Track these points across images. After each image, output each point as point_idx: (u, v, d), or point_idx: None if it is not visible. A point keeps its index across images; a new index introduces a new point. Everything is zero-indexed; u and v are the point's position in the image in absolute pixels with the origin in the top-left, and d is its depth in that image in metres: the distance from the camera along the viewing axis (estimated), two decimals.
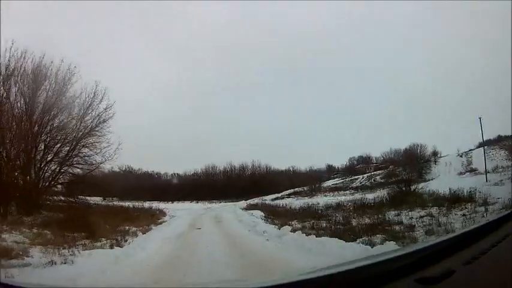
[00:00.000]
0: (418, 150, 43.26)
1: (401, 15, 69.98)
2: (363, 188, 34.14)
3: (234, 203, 33.54)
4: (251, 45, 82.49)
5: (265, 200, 30.37)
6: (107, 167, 18.57)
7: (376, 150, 57.71)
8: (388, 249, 5.21)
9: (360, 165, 50.96)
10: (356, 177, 44.21)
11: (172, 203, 43.26)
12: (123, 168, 59.46)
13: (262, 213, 17.98)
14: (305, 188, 37.64)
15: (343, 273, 1.43)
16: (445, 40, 66.89)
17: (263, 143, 69.79)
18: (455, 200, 12.78)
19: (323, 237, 8.57)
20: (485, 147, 45.07)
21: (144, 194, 44.31)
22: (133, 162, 56.86)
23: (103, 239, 9.44)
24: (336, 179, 47.06)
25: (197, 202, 45.05)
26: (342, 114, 74.09)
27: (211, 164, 51.88)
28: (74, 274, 5.66)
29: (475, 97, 58.28)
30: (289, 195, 35.06)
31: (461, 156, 42.88)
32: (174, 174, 55.96)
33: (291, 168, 55.23)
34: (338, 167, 59.05)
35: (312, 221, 11.97)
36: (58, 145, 15.98)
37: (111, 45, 77.76)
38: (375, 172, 43.77)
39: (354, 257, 4.12)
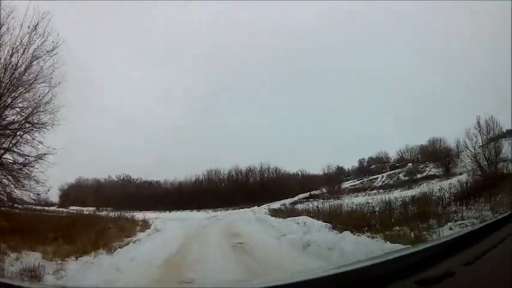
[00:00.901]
0: (439, 145, 40.40)
1: (401, 15, 68.18)
2: (391, 186, 30.75)
3: (249, 209, 29.36)
4: (251, 45, 79.60)
5: (285, 204, 26.41)
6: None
7: (379, 152, 54.72)
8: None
9: (374, 165, 47.79)
10: (374, 177, 41.06)
11: (170, 212, 39.10)
12: (121, 177, 55.83)
13: (323, 222, 10.33)
14: (324, 190, 33.95)
15: (342, 274, 1.44)
16: (445, 40, 65.22)
17: (265, 147, 66.05)
18: None
19: None
20: None
21: (141, 203, 40.23)
22: (132, 171, 53.21)
23: None
24: (350, 181, 43.65)
25: (199, 210, 40.74)
26: (342, 117, 71.11)
27: (214, 168, 47.52)
28: None
29: (475, 97, 56.19)
30: (307, 199, 31.18)
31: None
32: (175, 182, 51.27)
33: (299, 172, 51.68)
34: (348, 169, 55.94)
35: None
36: None
37: (107, 50, 74.13)
38: (397, 170, 40.62)
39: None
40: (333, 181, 36.07)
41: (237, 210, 30.64)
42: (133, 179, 52.88)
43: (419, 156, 42.88)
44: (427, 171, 35.08)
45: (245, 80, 77.43)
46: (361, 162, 56.13)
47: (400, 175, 37.23)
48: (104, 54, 75.02)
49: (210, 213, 35.16)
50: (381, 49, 70.65)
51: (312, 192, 35.62)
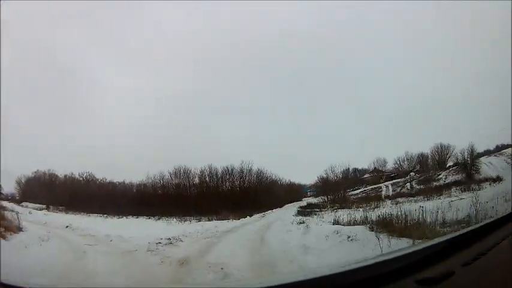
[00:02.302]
0: (446, 152, 36.66)
1: (401, 15, 65.74)
2: (409, 195, 25.98)
3: (238, 220, 21.62)
4: (239, 44, 72.53)
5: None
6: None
7: (377, 159, 50.42)
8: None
9: (368, 174, 42.86)
10: (375, 186, 36.69)
11: (120, 218, 29.74)
12: (84, 175, 47.40)
13: None
14: (327, 199, 27.59)
15: (344, 273, 1.37)
16: (445, 40, 63.69)
17: (243, 147, 58.09)
18: None
19: None
20: None
21: (97, 205, 31.41)
22: (99, 170, 43.71)
23: None
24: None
25: (159, 218, 31.43)
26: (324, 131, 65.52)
27: (183, 166, 38.44)
28: None
29: (475, 98, 54.17)
30: (310, 209, 24.38)
31: (496, 155, 36.63)
32: (141, 184, 41.29)
33: (279, 180, 45.00)
34: (334, 179, 50.73)
35: None
36: None
37: (88, 47, 62.93)
38: (401, 179, 36.38)
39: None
40: (335, 188, 29.78)
41: (222, 222, 22.20)
42: (97, 179, 44.65)
43: (419, 165, 38.74)
44: (443, 179, 30.92)
45: (235, 81, 69.17)
46: (344, 173, 51.52)
47: (413, 183, 32.68)
48: (84, 51, 63.93)
49: (173, 225, 24.47)
50: (378, 50, 67.05)
51: (308, 201, 29.04)
